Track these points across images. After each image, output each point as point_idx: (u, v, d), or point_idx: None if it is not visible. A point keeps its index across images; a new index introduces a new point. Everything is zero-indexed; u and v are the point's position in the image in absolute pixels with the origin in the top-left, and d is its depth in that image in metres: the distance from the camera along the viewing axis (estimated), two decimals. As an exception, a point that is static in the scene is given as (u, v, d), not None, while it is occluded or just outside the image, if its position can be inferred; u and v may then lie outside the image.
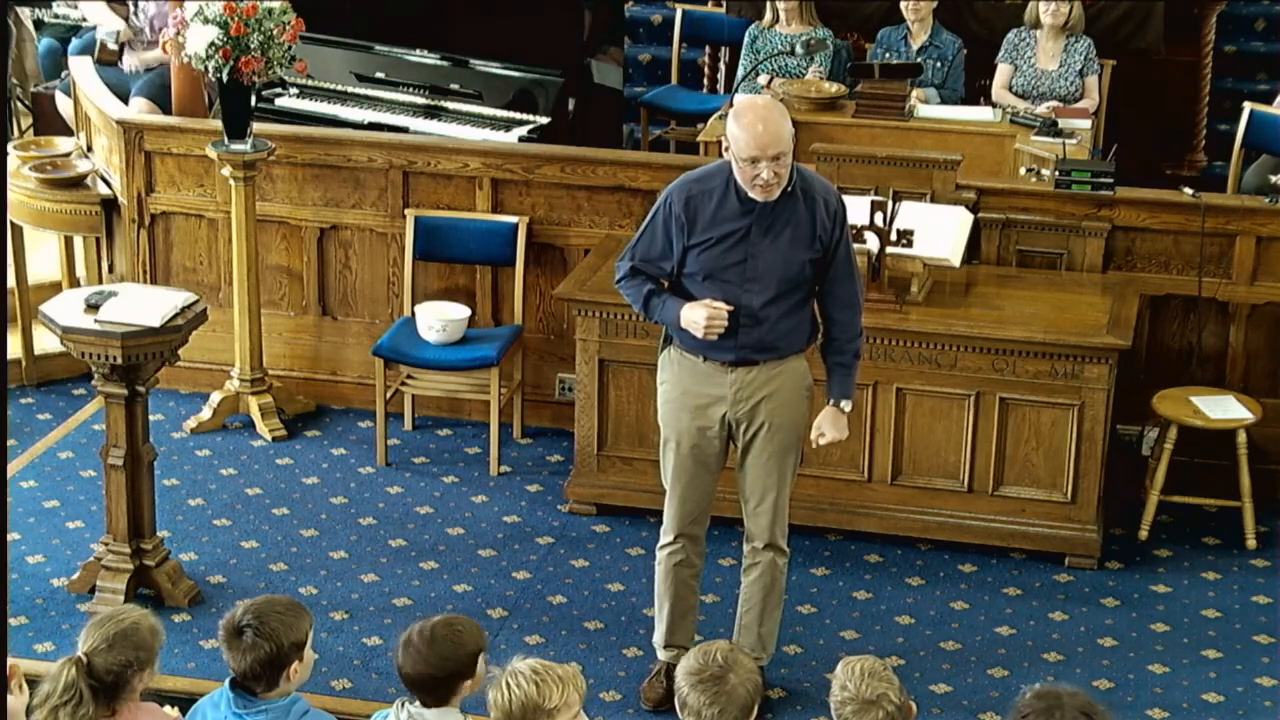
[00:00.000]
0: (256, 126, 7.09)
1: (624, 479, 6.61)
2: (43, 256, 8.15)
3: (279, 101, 8.22)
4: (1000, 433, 6.31)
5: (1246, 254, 6.74)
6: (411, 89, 8.24)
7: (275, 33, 6.81)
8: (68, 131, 8.46)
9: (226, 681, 4.18)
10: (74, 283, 7.85)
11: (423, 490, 6.89)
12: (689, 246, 5.16)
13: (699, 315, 5.12)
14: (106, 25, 8.51)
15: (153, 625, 4.16)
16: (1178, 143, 9.41)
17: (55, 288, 7.62)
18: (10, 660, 3.85)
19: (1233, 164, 8.28)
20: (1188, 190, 6.85)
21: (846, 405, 5.33)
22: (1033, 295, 6.52)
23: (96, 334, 5.68)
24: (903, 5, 8.44)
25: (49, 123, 9.02)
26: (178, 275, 7.53)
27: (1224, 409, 6.51)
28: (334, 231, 7.42)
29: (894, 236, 6.23)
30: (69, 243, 7.92)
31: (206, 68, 6.82)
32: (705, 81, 9.99)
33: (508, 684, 3.89)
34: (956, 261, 6.39)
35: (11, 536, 6.37)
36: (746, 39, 8.72)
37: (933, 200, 6.64)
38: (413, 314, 7.07)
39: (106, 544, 6.00)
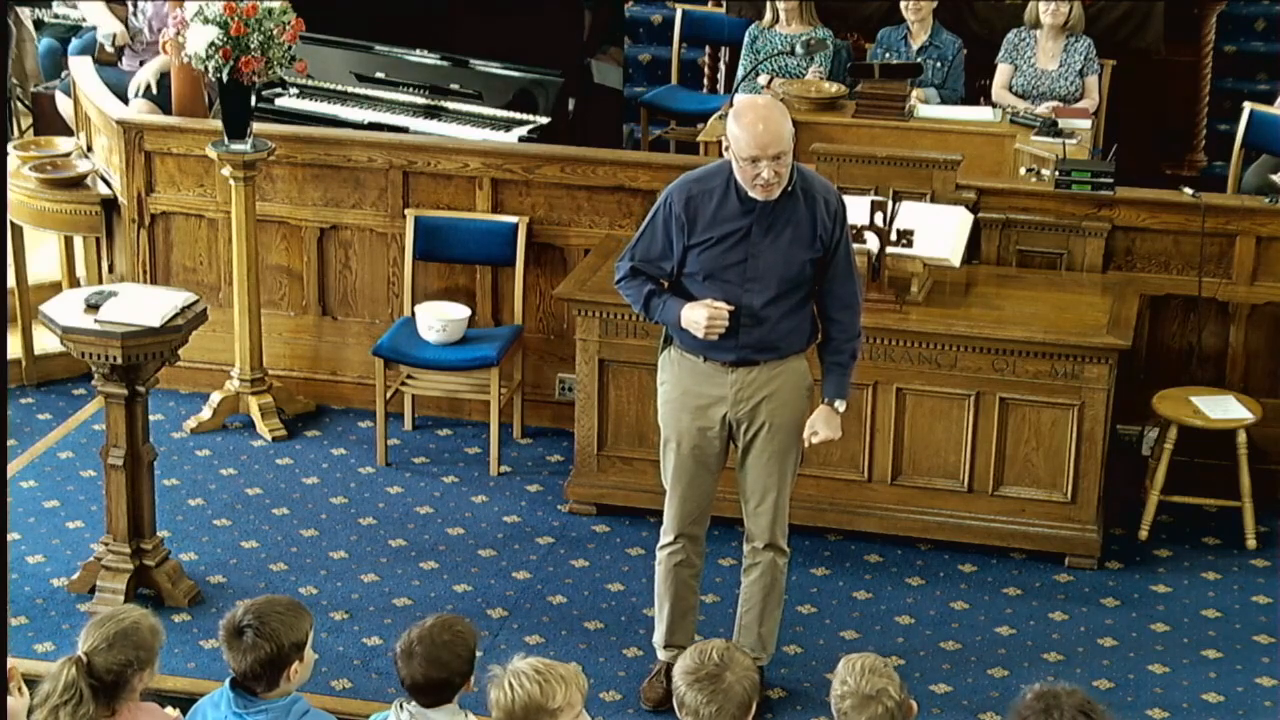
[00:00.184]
0: (256, 126, 7.09)
1: (624, 479, 6.61)
2: (43, 256, 8.15)
3: (279, 101, 8.22)
4: (1000, 433, 6.31)
5: (1246, 254, 6.74)
6: (411, 89, 8.24)
7: (275, 33, 6.81)
8: (68, 131, 8.46)
9: (227, 681, 4.18)
10: (74, 283, 7.85)
11: (423, 490, 6.89)
12: (689, 246, 5.16)
13: (700, 315, 5.12)
14: (104, 27, 8.51)
15: (153, 625, 4.16)
16: (1178, 143, 9.41)
17: (55, 288, 7.62)
18: (10, 662, 3.85)
19: (1233, 164, 8.28)
20: (1188, 190, 6.85)
21: (841, 405, 5.33)
22: (1033, 295, 6.52)
23: (96, 334, 5.68)
24: (903, 5, 8.44)
25: (49, 123, 9.02)
26: (178, 275, 7.53)
27: (1224, 409, 6.51)
28: (334, 231, 7.42)
29: (894, 236, 6.23)
30: (69, 243, 7.92)
31: (206, 68, 6.82)
32: (705, 81, 9.99)
33: (511, 684, 3.88)
34: (956, 261, 6.39)
35: (11, 536, 6.37)
36: (746, 39, 8.72)
37: (933, 200, 6.64)
38: (413, 314, 7.07)
39: (106, 544, 6.00)
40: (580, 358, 6.53)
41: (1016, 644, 5.94)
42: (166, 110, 7.82)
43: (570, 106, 8.15)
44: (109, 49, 8.46)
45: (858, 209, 6.01)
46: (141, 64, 8.20)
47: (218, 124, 7.16)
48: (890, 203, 6.25)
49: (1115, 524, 6.61)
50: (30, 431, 7.30)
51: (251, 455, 7.13)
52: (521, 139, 7.86)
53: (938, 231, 6.39)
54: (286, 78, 7.54)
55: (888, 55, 8.43)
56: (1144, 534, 6.58)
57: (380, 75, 8.28)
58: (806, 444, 5.37)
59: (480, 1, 8.27)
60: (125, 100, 7.92)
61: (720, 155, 5.20)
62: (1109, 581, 6.31)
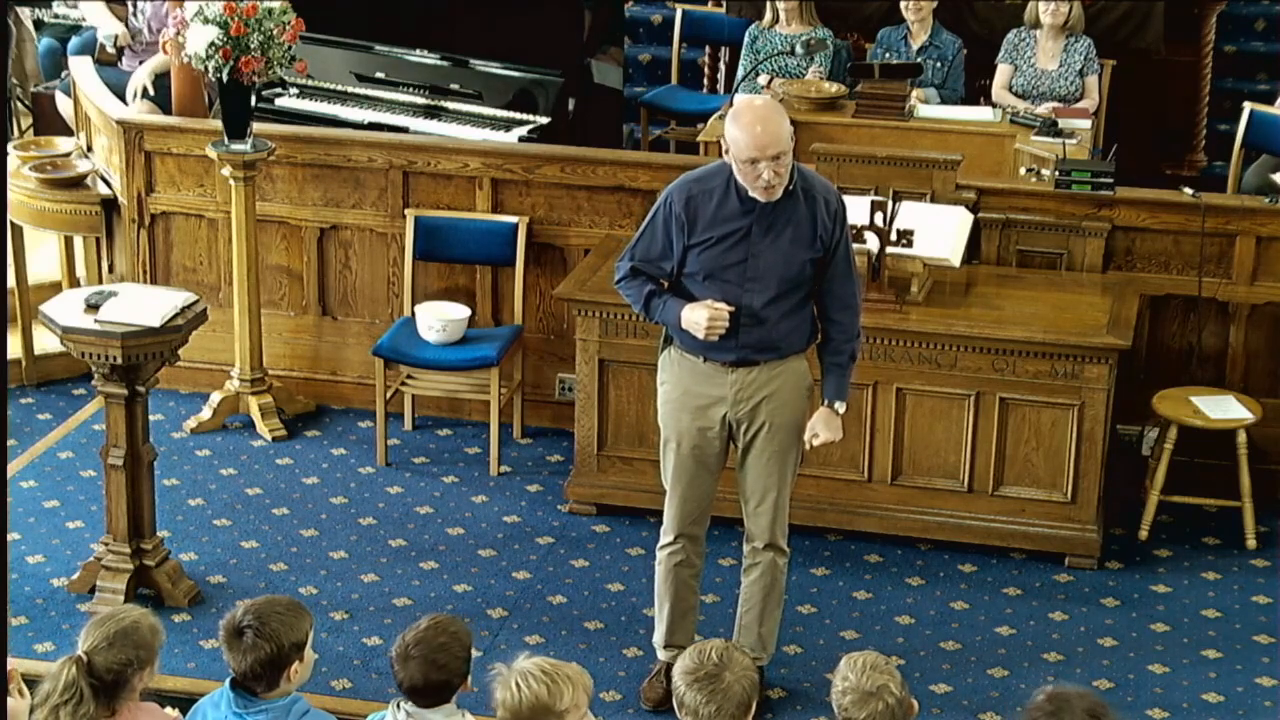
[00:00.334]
0: (256, 126, 7.09)
1: (624, 479, 6.61)
2: (43, 256, 8.15)
3: (279, 101, 8.22)
4: (1000, 433, 6.31)
5: (1246, 254, 6.74)
6: (411, 89, 8.24)
7: (275, 33, 6.81)
8: (68, 131, 8.46)
9: (227, 681, 4.18)
10: (74, 283, 7.85)
11: (423, 490, 6.89)
12: (689, 246, 5.16)
13: (700, 316, 5.12)
14: (105, 28, 8.51)
15: (153, 624, 4.16)
16: (1178, 143, 9.41)
17: (55, 288, 7.62)
18: (10, 664, 3.85)
19: (1233, 164, 8.29)
20: (1188, 190, 6.85)
21: (841, 406, 5.33)
22: (1033, 295, 6.52)
23: (96, 334, 5.68)
24: (903, 5, 8.44)
25: (49, 123, 9.02)
26: (178, 275, 7.53)
27: (1224, 409, 6.51)
28: (334, 231, 7.42)
29: (894, 236, 6.23)
30: (69, 243, 7.92)
31: (206, 68, 6.82)
32: (705, 81, 9.99)
33: (518, 684, 3.88)
34: (956, 261, 6.39)
35: (11, 536, 6.37)
36: (746, 39, 8.72)
37: (933, 200, 6.64)
38: (413, 314, 7.07)
39: (106, 544, 6.00)
40: (580, 358, 6.53)
41: (1016, 644, 5.94)
42: (166, 110, 7.82)
43: (570, 106, 8.15)
44: (110, 50, 8.46)
45: (858, 209, 6.01)
46: (141, 64, 8.20)
47: (218, 124, 7.16)
48: (890, 203, 6.25)
49: (1115, 524, 6.61)
50: (30, 431, 7.30)
51: (251, 455, 7.13)
52: (521, 139, 7.86)
53: (938, 231, 6.39)
54: (286, 78, 7.54)
55: (888, 55, 8.43)
56: (1144, 534, 6.58)
57: (380, 75, 8.28)
58: (808, 446, 5.37)
59: (480, 1, 8.27)
60: (125, 101, 7.92)
61: (720, 155, 5.20)
62: (1109, 581, 6.31)
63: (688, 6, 9.83)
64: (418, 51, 8.29)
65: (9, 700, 3.95)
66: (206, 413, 7.30)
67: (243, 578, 6.25)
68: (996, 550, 6.44)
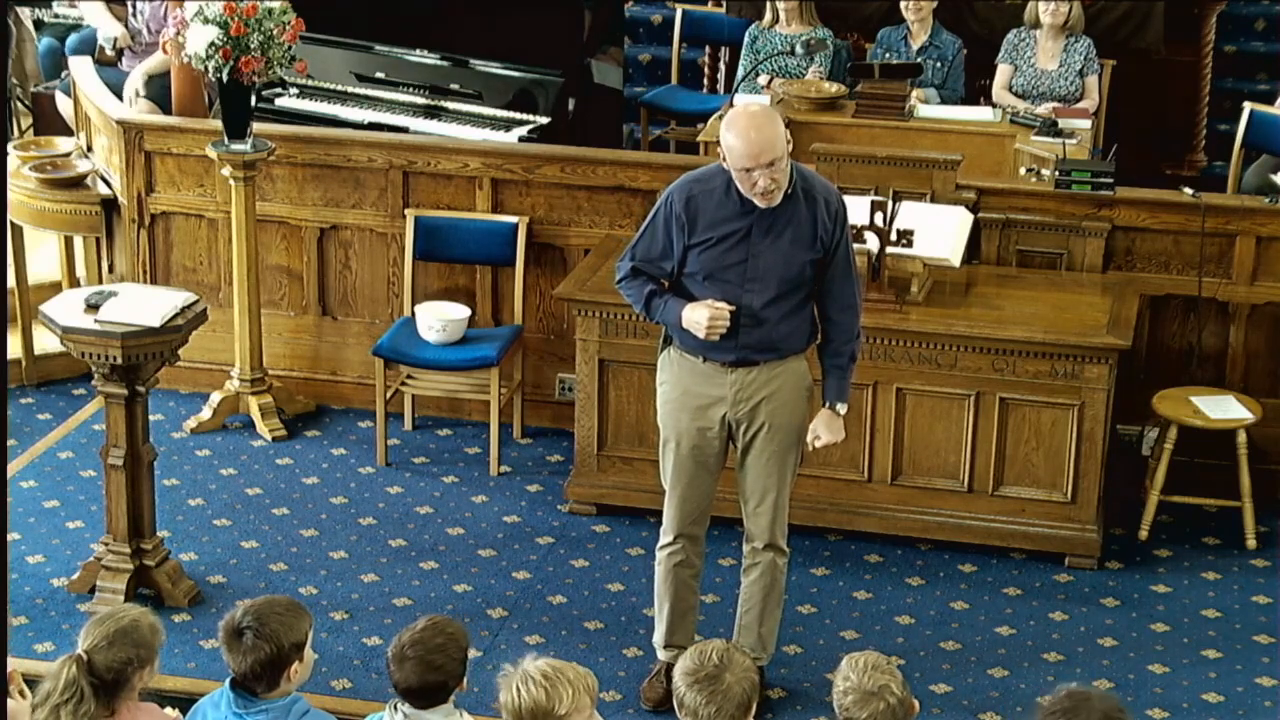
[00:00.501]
0: (256, 126, 7.09)
1: (624, 479, 6.61)
2: (43, 256, 8.15)
3: (279, 101, 8.23)
4: (1000, 433, 6.31)
5: (1246, 254, 6.74)
6: (411, 89, 8.24)
7: (275, 33, 6.81)
8: (68, 131, 8.46)
9: (227, 681, 4.18)
10: (74, 283, 7.85)
11: (423, 490, 6.89)
12: (689, 246, 5.16)
13: (701, 316, 5.12)
14: (104, 31, 8.52)
15: (153, 623, 4.16)
16: (1178, 143, 9.41)
17: (55, 288, 7.62)
18: (10, 665, 3.85)
19: (1233, 164, 8.29)
20: (1188, 190, 6.85)
21: (842, 408, 5.34)
22: (1033, 295, 6.52)
23: (96, 334, 5.68)
24: (903, 5, 8.44)
25: (49, 123, 9.03)
26: (178, 275, 7.53)
27: (1224, 409, 6.51)
28: (334, 231, 7.42)
29: (894, 236, 6.23)
30: (69, 243, 7.92)
31: (206, 68, 6.82)
32: (705, 81, 9.99)
33: (518, 688, 3.88)
34: (956, 261, 6.39)
35: (11, 536, 6.37)
36: (746, 39, 8.72)
37: (933, 200, 6.64)
38: (413, 314, 7.07)
39: (106, 544, 6.00)
40: (580, 358, 6.53)
41: (1016, 644, 5.94)
42: (166, 110, 7.83)
43: (570, 106, 8.15)
44: (110, 52, 8.46)
45: (858, 209, 6.01)
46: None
47: (218, 124, 7.16)
48: (890, 203, 6.25)
49: (1115, 524, 6.61)
50: (30, 431, 7.30)
51: (251, 455, 7.13)
52: (521, 139, 7.86)
53: (938, 231, 6.39)
54: (286, 78, 7.54)
55: (888, 55, 8.43)
56: (1144, 534, 6.58)
57: (380, 75, 8.28)
58: (810, 448, 5.37)
59: (480, 1, 8.27)
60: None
61: (720, 157, 5.20)
62: (1109, 581, 6.31)
63: (688, 6, 9.83)
64: (418, 51, 8.29)
65: (10, 701, 3.96)
66: (206, 413, 7.30)
67: (243, 578, 6.25)
68: (996, 550, 6.44)
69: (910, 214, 6.34)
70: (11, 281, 7.70)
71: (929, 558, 6.45)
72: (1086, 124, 7.91)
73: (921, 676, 5.70)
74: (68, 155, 7.83)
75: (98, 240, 7.71)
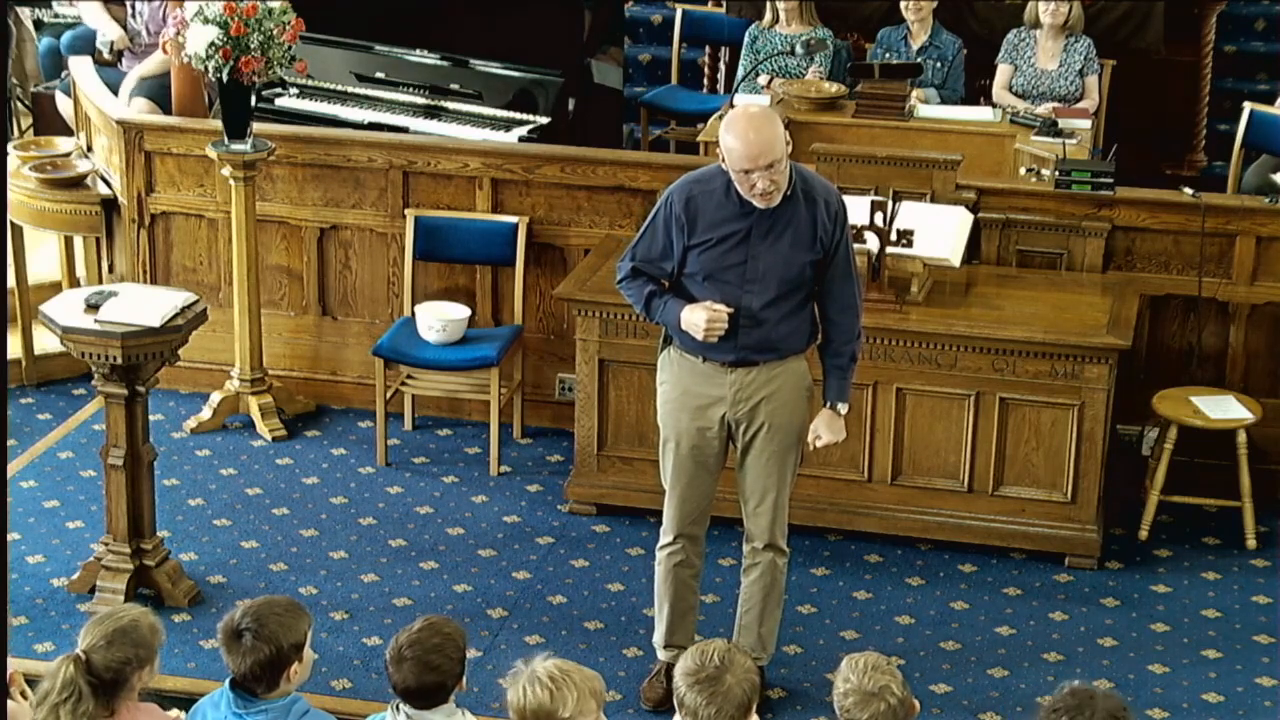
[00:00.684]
0: (256, 126, 7.09)
1: (624, 479, 6.61)
2: (43, 256, 8.15)
3: (279, 101, 8.22)
4: (1000, 433, 6.31)
5: (1246, 254, 6.74)
6: (411, 89, 8.24)
7: (275, 33, 6.81)
8: (68, 131, 8.46)
9: (226, 682, 4.18)
10: (74, 283, 7.85)
11: (423, 490, 6.89)
12: (689, 247, 5.16)
13: (699, 318, 5.12)
14: (103, 34, 8.51)
15: (152, 623, 4.16)
16: (1178, 143, 9.41)
17: (55, 288, 7.62)
18: (11, 667, 3.85)
19: (1233, 164, 8.29)
20: (1188, 190, 6.85)
21: (843, 408, 5.34)
22: (1033, 295, 6.52)
23: (96, 334, 5.68)
24: (903, 5, 8.44)
25: (49, 123, 9.03)
26: (178, 275, 7.53)
27: (1224, 409, 6.51)
28: (334, 231, 7.42)
29: (894, 236, 6.23)
30: (69, 243, 7.92)
31: (206, 68, 6.82)
32: (705, 81, 9.99)
33: (525, 688, 3.89)
34: (956, 261, 6.39)
35: (11, 536, 6.37)
36: (746, 39, 8.72)
37: (933, 200, 6.64)
38: (413, 314, 7.07)
39: (106, 544, 6.00)
40: (580, 358, 6.53)
41: (1016, 644, 5.94)
42: (166, 110, 7.83)
43: (570, 106, 8.15)
44: (107, 55, 8.46)
45: (858, 209, 6.01)
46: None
47: (218, 124, 7.16)
48: (890, 203, 6.25)
49: (1115, 524, 6.61)
50: (30, 431, 7.30)
51: (251, 455, 7.13)
52: (521, 139, 7.86)
53: (938, 231, 6.39)
54: (286, 78, 7.54)
55: (888, 55, 8.43)
56: (1144, 534, 6.58)
57: (380, 75, 8.28)
58: (810, 448, 5.38)
59: (480, 1, 8.27)
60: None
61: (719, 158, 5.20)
62: (1109, 581, 6.31)
63: (688, 6, 9.82)
64: (418, 51, 8.29)
65: (11, 703, 3.96)
66: (206, 413, 7.30)
67: (243, 578, 6.25)
68: (996, 550, 6.44)
69: (910, 214, 6.34)
70: (11, 281, 7.70)
71: (929, 558, 6.45)
72: (1086, 124, 7.91)
73: (921, 676, 5.70)
74: (68, 155, 7.83)
75: (98, 240, 7.71)
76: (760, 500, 5.36)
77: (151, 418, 6.39)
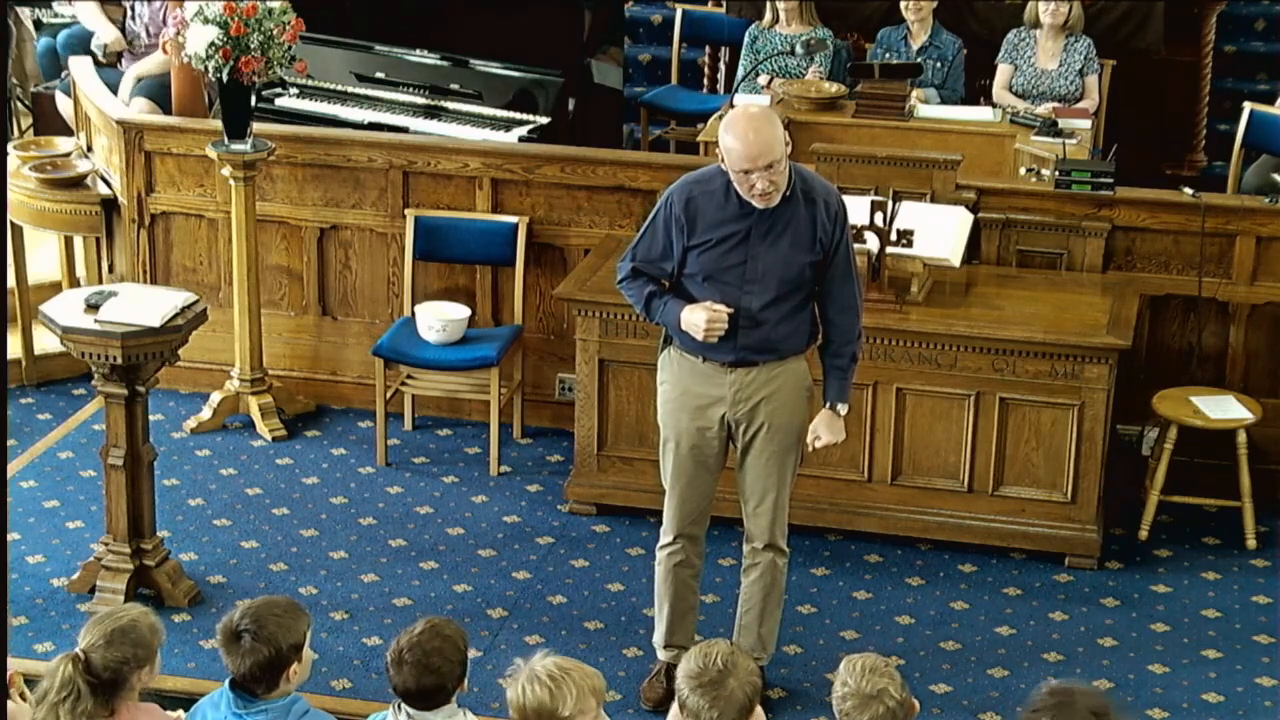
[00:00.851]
0: (256, 126, 7.09)
1: (624, 479, 6.61)
2: (43, 256, 8.15)
3: (279, 101, 8.22)
4: (1000, 433, 6.31)
5: (1246, 254, 6.74)
6: (411, 89, 8.24)
7: (275, 33, 6.81)
8: (68, 131, 8.46)
9: (226, 682, 4.18)
10: (74, 283, 7.85)
11: (423, 490, 6.89)
12: (689, 247, 5.16)
13: (699, 318, 5.13)
14: (98, 35, 8.51)
15: (152, 623, 4.16)
16: (1178, 143, 9.41)
17: (55, 288, 7.62)
18: (11, 668, 3.85)
19: (1233, 164, 8.29)
20: (1188, 190, 6.85)
21: (843, 408, 5.34)
22: (1033, 295, 6.52)
23: (96, 334, 5.68)
24: (903, 5, 8.44)
25: (49, 123, 9.02)
26: (178, 275, 7.53)
27: (1224, 409, 6.51)
28: (334, 231, 7.42)
29: (894, 236, 6.23)
30: (69, 243, 7.92)
31: (206, 68, 6.82)
32: (705, 81, 9.99)
33: (525, 687, 3.89)
34: (956, 261, 6.39)
35: (11, 536, 6.37)
36: (746, 39, 8.72)
37: (933, 200, 6.64)
38: (413, 314, 7.07)
39: (106, 544, 6.00)
40: (580, 358, 6.53)
41: (1016, 644, 5.94)
42: (166, 110, 7.83)
43: (570, 106, 8.15)
44: (102, 59, 8.45)
45: (858, 209, 6.01)
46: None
47: (218, 124, 7.16)
48: (890, 203, 6.25)
49: (1115, 524, 6.61)
50: (30, 431, 7.30)
51: (251, 455, 7.13)
52: (521, 139, 7.86)
53: (938, 231, 6.39)
54: (286, 78, 7.54)
55: (888, 55, 8.43)
56: (1144, 534, 6.58)
57: (380, 75, 8.28)
58: (810, 448, 5.38)
59: (480, 1, 8.27)
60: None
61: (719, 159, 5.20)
62: (1109, 581, 6.31)
63: (688, 6, 9.82)
64: (418, 51, 8.29)
65: (11, 704, 3.96)
66: (206, 413, 7.30)
67: (243, 578, 6.25)
68: (996, 550, 6.44)
69: (910, 214, 6.34)
70: (11, 281, 7.70)
71: (929, 558, 6.45)
72: (1086, 124, 7.91)
73: (921, 676, 5.70)
74: (68, 155, 7.83)
75: (98, 240, 7.71)
76: (760, 500, 5.36)
77: (151, 418, 6.39)
